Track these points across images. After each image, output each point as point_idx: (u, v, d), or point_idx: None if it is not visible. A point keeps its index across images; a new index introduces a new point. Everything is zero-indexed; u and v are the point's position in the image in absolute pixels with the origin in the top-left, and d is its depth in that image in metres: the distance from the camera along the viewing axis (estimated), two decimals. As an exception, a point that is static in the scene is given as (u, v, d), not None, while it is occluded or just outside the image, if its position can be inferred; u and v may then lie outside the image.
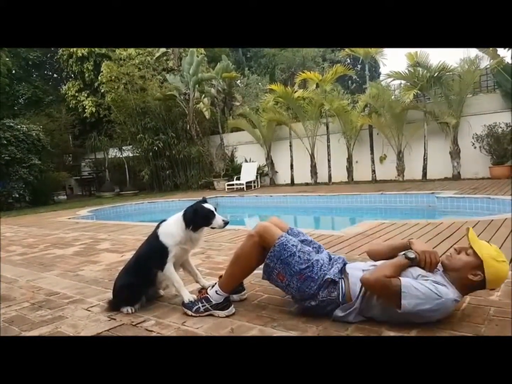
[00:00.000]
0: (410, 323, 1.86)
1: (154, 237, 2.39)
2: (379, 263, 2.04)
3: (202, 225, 2.36)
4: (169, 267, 2.33)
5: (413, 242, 2.04)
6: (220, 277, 2.31)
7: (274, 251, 2.06)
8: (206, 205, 2.38)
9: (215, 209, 2.38)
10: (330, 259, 2.20)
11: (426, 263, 1.92)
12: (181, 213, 2.39)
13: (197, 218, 2.33)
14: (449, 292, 1.82)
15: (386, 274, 1.85)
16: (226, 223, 2.35)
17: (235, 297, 2.40)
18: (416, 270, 1.92)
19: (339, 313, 1.98)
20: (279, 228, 2.23)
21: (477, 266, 1.84)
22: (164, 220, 2.46)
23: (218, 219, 2.33)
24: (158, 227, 2.43)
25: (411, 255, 1.93)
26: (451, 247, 3.39)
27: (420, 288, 1.79)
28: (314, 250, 2.22)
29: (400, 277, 1.85)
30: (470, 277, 1.85)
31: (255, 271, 2.27)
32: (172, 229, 2.36)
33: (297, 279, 2.02)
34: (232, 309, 2.21)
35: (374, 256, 2.23)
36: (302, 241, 2.23)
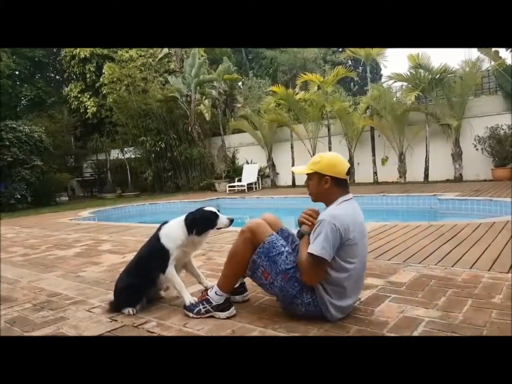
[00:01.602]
0: (412, 325, 1.86)
1: (155, 239, 2.39)
2: None
3: (207, 229, 2.37)
4: (171, 269, 2.33)
5: (298, 220, 2.20)
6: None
7: (263, 248, 2.09)
8: (207, 208, 2.38)
9: (218, 210, 2.38)
10: None
11: (311, 220, 2.11)
12: (183, 217, 2.38)
13: (201, 223, 2.33)
14: (326, 211, 2.03)
15: (303, 260, 1.97)
16: (231, 220, 2.36)
17: (237, 298, 2.41)
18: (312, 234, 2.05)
19: (330, 317, 2.01)
20: (271, 224, 2.26)
21: (319, 178, 2.06)
22: (166, 222, 2.45)
23: (223, 219, 2.35)
24: (159, 229, 2.43)
25: (298, 233, 2.17)
26: (452, 249, 3.39)
27: (313, 236, 1.96)
28: None
29: (307, 251, 1.97)
30: (326, 186, 2.04)
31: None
32: (174, 232, 2.35)
33: (281, 278, 2.05)
34: (233, 311, 2.21)
35: None
36: (290, 244, 2.26)
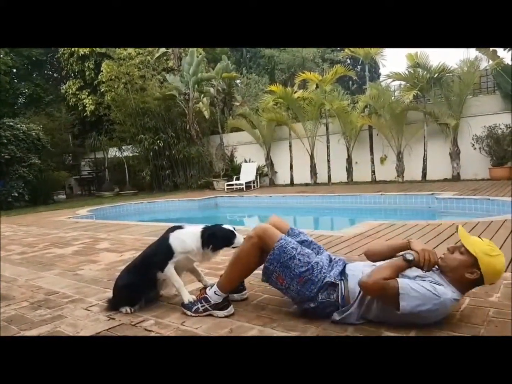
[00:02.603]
0: (409, 324, 1.86)
1: (164, 239, 2.38)
2: (378, 263, 2.04)
3: (223, 246, 2.36)
4: (170, 268, 2.32)
5: (412, 242, 2.03)
6: (221, 276, 2.30)
7: (274, 254, 2.05)
8: (225, 226, 2.38)
9: (234, 228, 2.38)
10: (330, 260, 2.19)
11: (425, 262, 1.88)
12: (199, 228, 2.37)
13: (219, 240, 2.33)
14: (448, 291, 1.81)
15: (384, 276, 1.82)
16: None
17: (236, 296, 2.40)
18: (413, 271, 1.91)
19: (336, 316, 1.97)
20: (279, 228, 2.23)
21: (472, 264, 1.81)
22: (179, 227, 2.43)
23: (240, 238, 2.32)
24: (172, 230, 2.41)
25: (410, 257, 1.90)
26: (450, 248, 3.39)
27: (418, 289, 1.78)
28: (314, 251, 2.21)
29: (397, 279, 1.84)
30: (467, 276, 1.83)
31: (255, 271, 2.27)
32: (186, 239, 2.34)
33: (297, 282, 2.01)
34: (231, 309, 2.21)
35: (373, 256, 2.21)
36: (301, 242, 2.23)
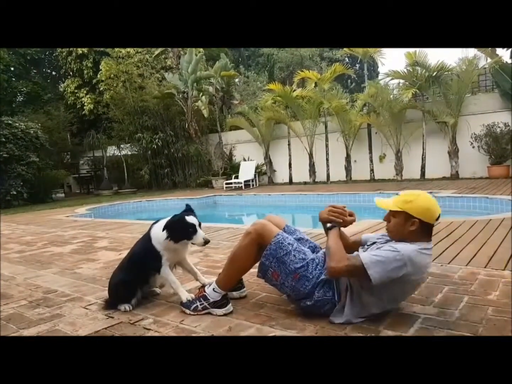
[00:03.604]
0: (407, 320, 1.87)
1: (147, 239, 2.38)
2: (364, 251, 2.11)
3: (182, 239, 2.27)
4: (165, 269, 2.33)
5: (323, 218, 2.15)
6: (220, 274, 2.30)
7: (270, 249, 2.06)
8: (188, 218, 2.25)
9: (199, 224, 2.28)
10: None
11: (335, 214, 2.08)
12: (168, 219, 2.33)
13: (177, 231, 2.25)
14: (407, 245, 1.88)
15: (342, 254, 1.92)
16: (206, 242, 2.25)
17: (235, 294, 2.40)
18: (372, 247, 2.02)
19: (334, 320, 1.98)
20: (276, 224, 2.24)
21: (406, 218, 1.91)
22: (157, 221, 2.41)
23: (199, 237, 2.24)
24: (151, 228, 2.41)
25: (328, 224, 2.12)
26: (448, 247, 3.40)
27: (378, 252, 1.88)
28: (310, 249, 2.22)
29: (359, 253, 1.94)
30: (412, 228, 1.91)
31: (254, 270, 2.27)
32: (160, 234, 2.30)
33: (291, 278, 2.03)
34: (230, 307, 2.21)
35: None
36: (298, 240, 2.24)
